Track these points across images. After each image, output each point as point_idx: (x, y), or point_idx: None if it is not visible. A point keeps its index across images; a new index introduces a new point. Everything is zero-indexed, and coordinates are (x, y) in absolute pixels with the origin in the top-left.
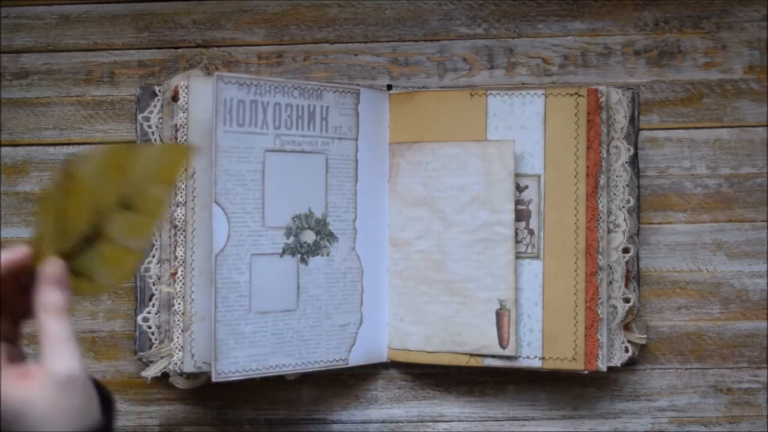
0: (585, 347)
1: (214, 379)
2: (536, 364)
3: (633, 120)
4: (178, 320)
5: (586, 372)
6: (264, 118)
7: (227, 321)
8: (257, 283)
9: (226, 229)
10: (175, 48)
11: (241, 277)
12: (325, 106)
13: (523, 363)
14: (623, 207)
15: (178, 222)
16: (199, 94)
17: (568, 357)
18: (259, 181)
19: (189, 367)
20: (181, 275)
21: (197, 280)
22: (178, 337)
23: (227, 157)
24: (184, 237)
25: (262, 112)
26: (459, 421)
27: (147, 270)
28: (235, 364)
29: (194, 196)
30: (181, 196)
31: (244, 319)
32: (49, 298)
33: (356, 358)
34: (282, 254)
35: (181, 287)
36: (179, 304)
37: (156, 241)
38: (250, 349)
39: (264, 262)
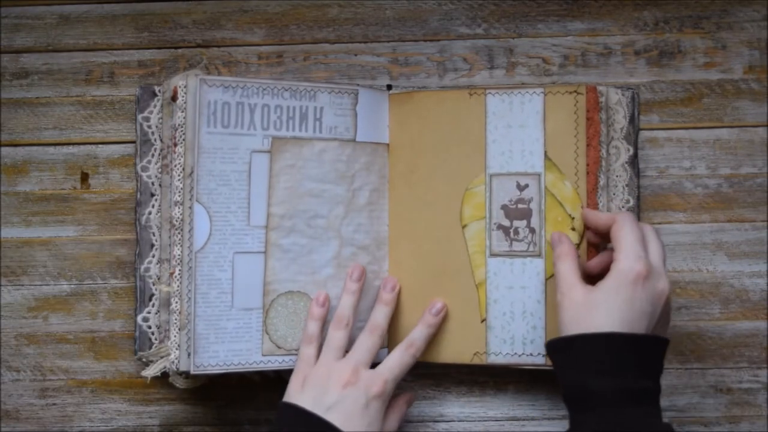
0: None
1: (192, 371)
2: (540, 360)
3: (633, 120)
4: (175, 319)
5: None
6: (251, 119)
7: (206, 316)
8: (240, 280)
9: (207, 227)
10: (175, 48)
11: (223, 275)
12: (319, 107)
13: (527, 360)
14: (623, 207)
15: (176, 221)
16: None
17: None
18: (245, 182)
19: (185, 366)
20: (178, 274)
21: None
22: (175, 336)
23: (210, 157)
24: (181, 236)
25: (248, 114)
26: (459, 421)
27: (147, 270)
28: (216, 357)
29: (191, 196)
30: (179, 195)
31: (226, 315)
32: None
33: None
34: None
35: (178, 286)
36: (176, 302)
37: (156, 240)
38: (231, 344)
39: (248, 261)
